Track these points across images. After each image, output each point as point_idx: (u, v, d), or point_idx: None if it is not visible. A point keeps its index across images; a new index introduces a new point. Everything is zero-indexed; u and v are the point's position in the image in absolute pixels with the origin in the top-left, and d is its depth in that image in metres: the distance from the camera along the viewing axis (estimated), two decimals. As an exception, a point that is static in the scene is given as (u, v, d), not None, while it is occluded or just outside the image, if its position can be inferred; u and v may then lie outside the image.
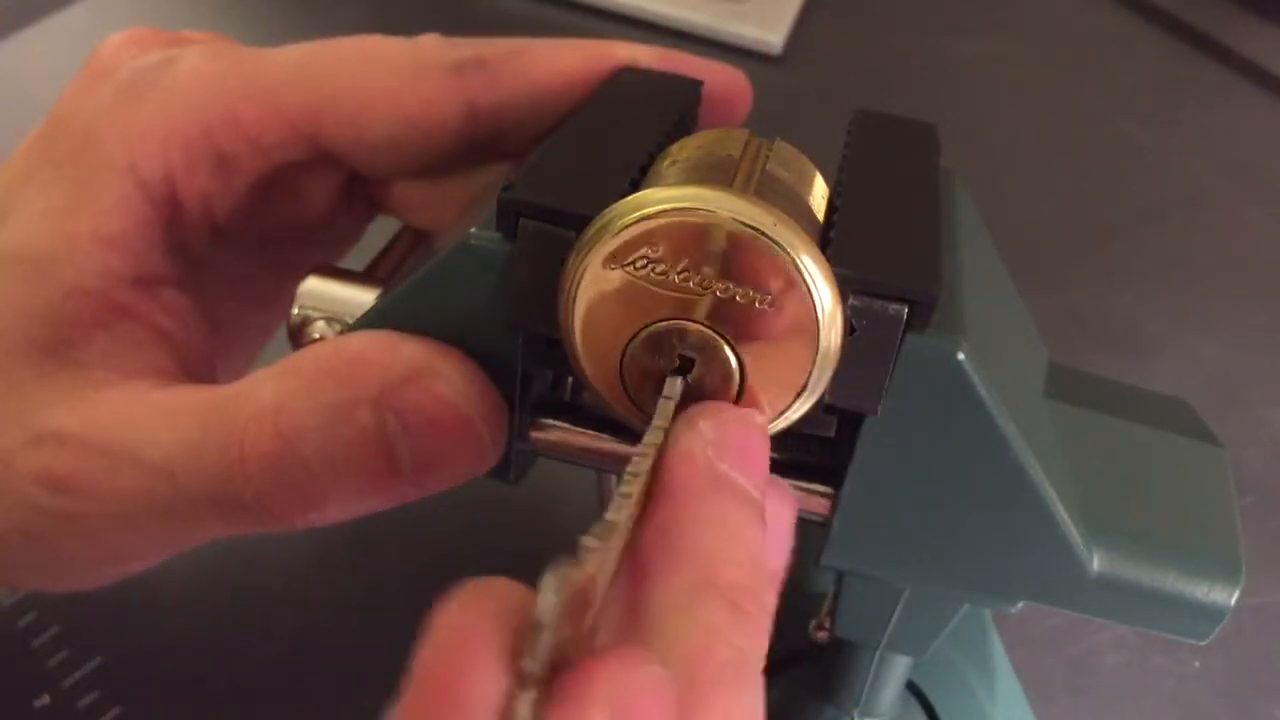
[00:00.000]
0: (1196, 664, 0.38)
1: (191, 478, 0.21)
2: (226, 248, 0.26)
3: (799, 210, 0.19)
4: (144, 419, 0.22)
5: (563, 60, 0.25)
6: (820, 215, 0.20)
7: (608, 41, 0.26)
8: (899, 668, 0.27)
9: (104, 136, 0.24)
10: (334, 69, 0.25)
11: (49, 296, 0.23)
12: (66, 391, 0.22)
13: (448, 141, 0.25)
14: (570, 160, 0.21)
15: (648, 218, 0.18)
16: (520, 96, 0.25)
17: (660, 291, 0.18)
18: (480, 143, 0.26)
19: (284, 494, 0.21)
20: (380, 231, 0.29)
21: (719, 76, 0.26)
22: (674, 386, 0.19)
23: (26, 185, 0.24)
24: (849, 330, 0.18)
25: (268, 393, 0.21)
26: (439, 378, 0.21)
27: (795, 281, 0.18)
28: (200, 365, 0.25)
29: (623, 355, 0.19)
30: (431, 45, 0.25)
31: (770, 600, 0.16)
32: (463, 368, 0.21)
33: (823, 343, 0.18)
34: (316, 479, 0.21)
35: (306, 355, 0.21)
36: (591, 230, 0.18)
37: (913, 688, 0.29)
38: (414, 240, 0.28)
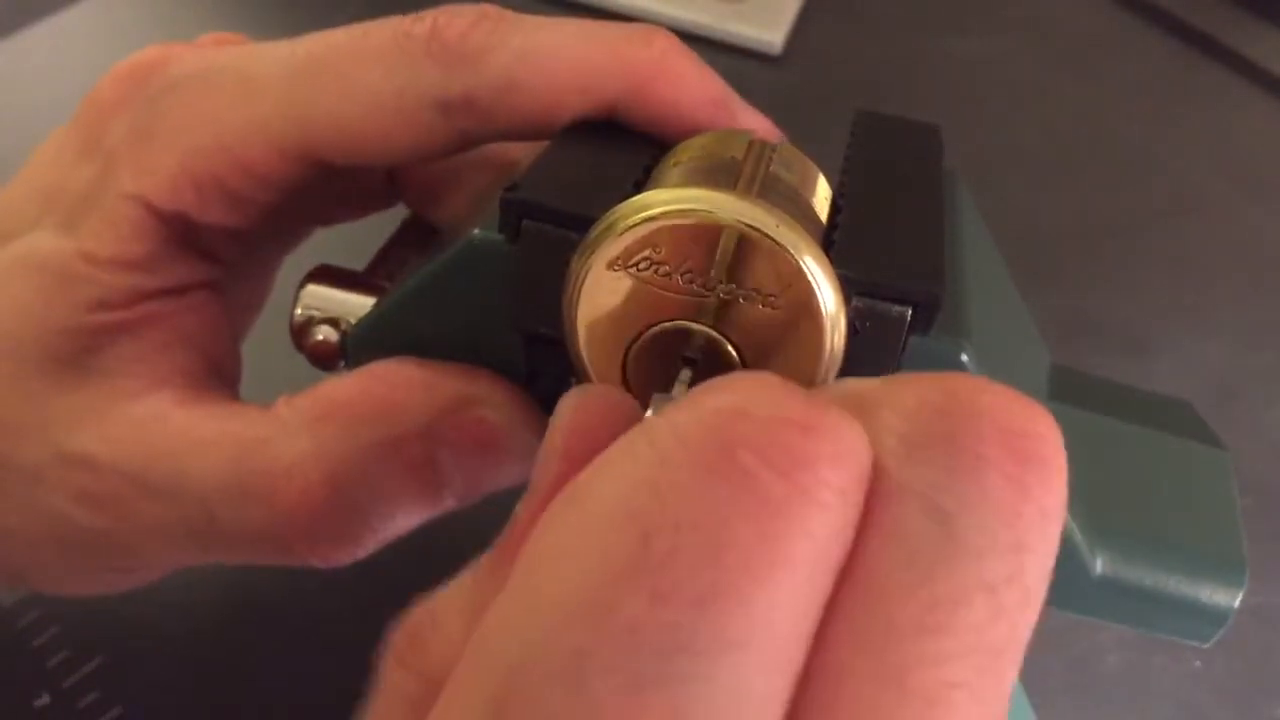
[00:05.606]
0: (1197, 664, 0.38)
1: (233, 522, 0.21)
2: (242, 247, 0.26)
3: (802, 212, 0.19)
4: (172, 448, 0.22)
5: (560, 97, 0.23)
6: (823, 217, 0.20)
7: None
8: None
9: (119, 170, 0.23)
10: (318, 103, 0.23)
11: (71, 309, 0.23)
12: (89, 407, 0.22)
13: (447, 156, 0.25)
14: (573, 162, 0.20)
15: (651, 219, 0.18)
16: (514, 131, 0.23)
17: (663, 293, 0.18)
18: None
19: (337, 538, 0.21)
20: (384, 231, 0.29)
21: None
22: (681, 389, 0.19)
23: (49, 197, 0.24)
24: (852, 332, 0.18)
25: (305, 443, 0.21)
26: (483, 405, 0.21)
27: (798, 283, 0.17)
28: (226, 359, 0.25)
29: (626, 357, 0.19)
30: (413, 71, 0.23)
31: None
32: (499, 389, 0.21)
33: (826, 344, 0.18)
34: (368, 518, 0.21)
35: (332, 395, 0.21)
36: (594, 232, 0.18)
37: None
38: (415, 239, 0.28)
